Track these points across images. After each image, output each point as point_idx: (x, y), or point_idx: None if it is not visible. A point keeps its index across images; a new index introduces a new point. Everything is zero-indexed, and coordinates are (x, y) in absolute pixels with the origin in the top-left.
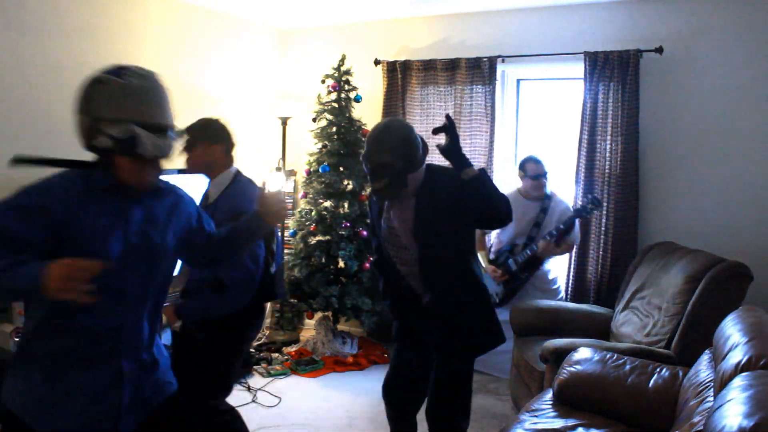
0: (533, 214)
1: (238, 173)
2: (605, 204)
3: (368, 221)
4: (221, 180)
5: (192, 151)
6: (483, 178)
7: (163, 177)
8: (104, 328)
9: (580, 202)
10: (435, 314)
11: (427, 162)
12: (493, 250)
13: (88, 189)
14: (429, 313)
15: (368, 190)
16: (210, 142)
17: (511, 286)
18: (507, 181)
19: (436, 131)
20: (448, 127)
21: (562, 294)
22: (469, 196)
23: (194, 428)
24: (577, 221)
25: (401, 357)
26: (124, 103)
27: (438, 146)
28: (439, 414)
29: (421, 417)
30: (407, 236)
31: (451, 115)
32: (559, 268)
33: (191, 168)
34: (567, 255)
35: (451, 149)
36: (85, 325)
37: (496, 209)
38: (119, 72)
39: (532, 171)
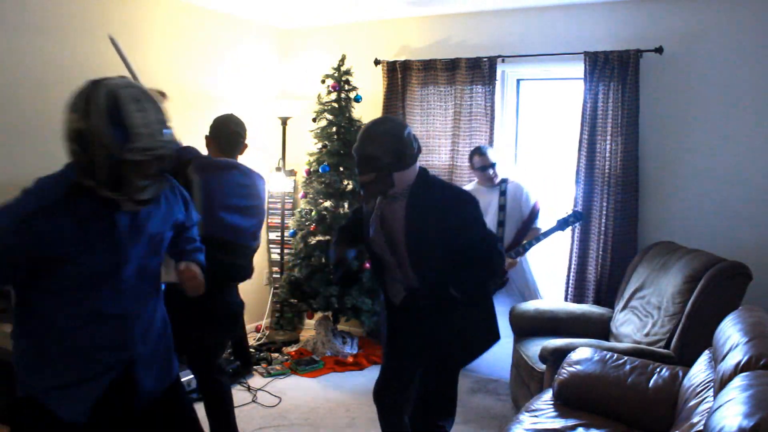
0: (494, 202)
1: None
2: (605, 204)
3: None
4: None
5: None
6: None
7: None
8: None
9: (564, 214)
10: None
11: (421, 165)
12: None
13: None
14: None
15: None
16: (210, 135)
17: None
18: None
19: None
20: None
21: (541, 297)
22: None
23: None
24: (537, 207)
25: (390, 362)
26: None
27: None
28: (423, 420)
29: None
30: (399, 235)
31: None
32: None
33: None
34: (567, 254)
35: None
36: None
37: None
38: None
39: (478, 163)
